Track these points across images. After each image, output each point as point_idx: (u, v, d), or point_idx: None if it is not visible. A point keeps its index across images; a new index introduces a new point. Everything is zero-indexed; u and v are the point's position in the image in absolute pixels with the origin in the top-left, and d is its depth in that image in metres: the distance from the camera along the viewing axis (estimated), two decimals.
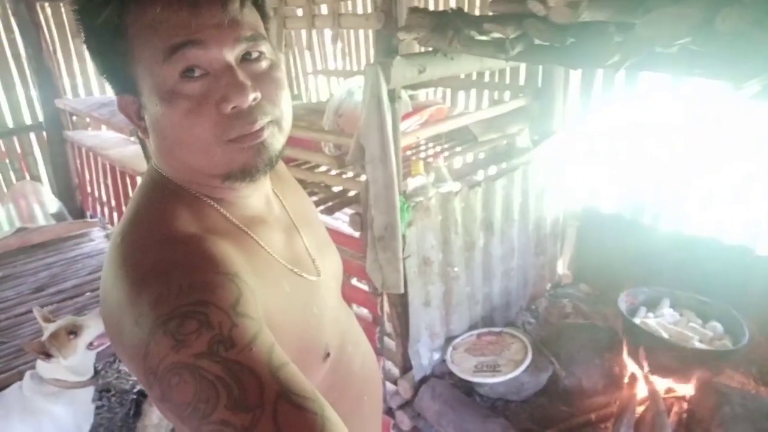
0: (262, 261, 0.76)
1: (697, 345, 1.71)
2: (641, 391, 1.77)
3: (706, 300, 1.88)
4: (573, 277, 2.52)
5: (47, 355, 1.92)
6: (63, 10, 3.94)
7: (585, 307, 2.31)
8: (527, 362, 1.90)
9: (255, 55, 0.69)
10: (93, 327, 1.99)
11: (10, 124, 3.95)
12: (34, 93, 3.94)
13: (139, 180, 0.88)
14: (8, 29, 3.76)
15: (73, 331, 1.96)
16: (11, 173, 4.05)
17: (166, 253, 0.66)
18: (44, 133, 4.06)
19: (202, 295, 0.61)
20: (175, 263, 0.64)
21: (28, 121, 4.02)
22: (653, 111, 2.22)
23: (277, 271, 0.78)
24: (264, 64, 0.70)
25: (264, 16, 0.73)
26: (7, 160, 4.00)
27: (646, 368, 1.76)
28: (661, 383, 1.76)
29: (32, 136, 4.08)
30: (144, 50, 0.65)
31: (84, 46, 0.70)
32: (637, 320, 1.84)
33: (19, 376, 2.46)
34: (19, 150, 4.05)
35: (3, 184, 4.05)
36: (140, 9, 0.64)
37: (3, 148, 3.97)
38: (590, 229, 2.41)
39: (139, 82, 0.67)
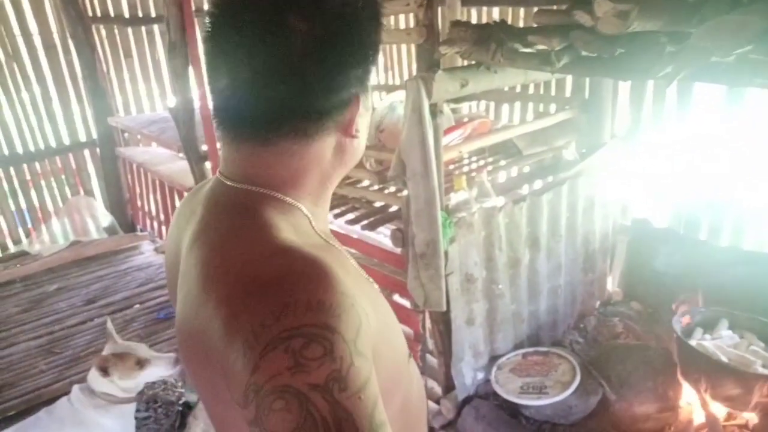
0: (355, 275, 0.74)
1: (761, 370, 1.60)
2: (698, 417, 1.68)
3: None
4: (623, 294, 2.42)
5: (105, 372, 1.97)
6: (116, 31, 4.10)
7: (636, 327, 2.21)
8: (575, 384, 1.82)
9: None
10: (160, 368, 2.03)
11: (66, 141, 4.12)
12: (88, 111, 4.11)
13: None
14: (66, 50, 3.94)
15: (141, 363, 2.00)
16: (66, 188, 4.22)
17: (284, 262, 0.63)
18: (98, 150, 4.22)
19: (329, 319, 0.57)
20: (298, 274, 0.61)
21: (82, 138, 4.19)
22: (709, 122, 2.13)
23: (365, 283, 0.75)
24: None
25: None
26: (63, 176, 4.17)
27: (704, 393, 1.66)
28: (720, 410, 1.66)
29: (86, 152, 4.25)
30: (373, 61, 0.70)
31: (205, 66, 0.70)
32: (693, 342, 1.75)
33: (69, 388, 2.54)
34: (74, 166, 4.22)
35: (59, 198, 4.21)
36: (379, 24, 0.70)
37: (59, 164, 4.15)
38: (641, 245, 2.31)
39: (361, 92, 0.71)
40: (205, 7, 3.90)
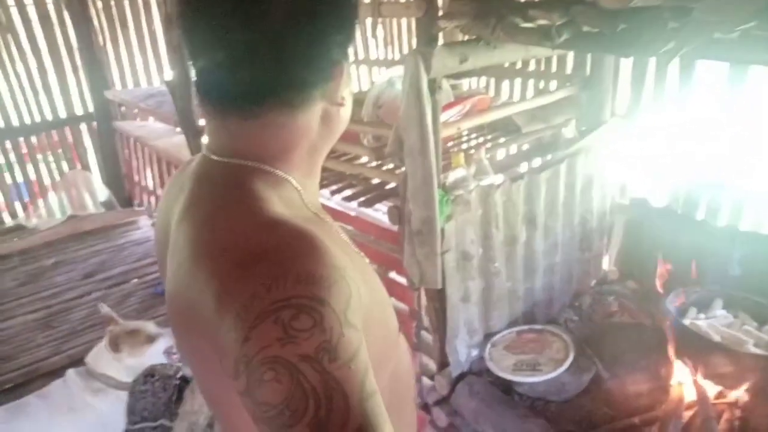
0: (346, 248, 0.74)
1: (753, 349, 1.62)
2: (689, 395, 1.69)
3: (763, 302, 1.78)
4: (620, 273, 2.42)
5: (117, 347, 1.98)
6: (113, 2, 4.04)
7: (631, 306, 2.22)
8: (569, 362, 1.84)
9: None
10: (167, 341, 2.10)
11: (63, 114, 4.08)
12: (84, 84, 4.06)
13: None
14: (61, 22, 3.88)
15: (150, 339, 2.03)
16: (63, 162, 4.19)
17: (274, 234, 0.63)
18: (94, 124, 4.18)
19: (319, 291, 0.58)
20: (288, 246, 0.62)
21: (79, 111, 4.14)
22: (710, 103, 2.11)
23: (356, 256, 0.76)
24: None
25: None
26: (60, 150, 4.14)
27: (696, 372, 1.68)
28: (712, 388, 1.67)
29: (83, 126, 4.21)
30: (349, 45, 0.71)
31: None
32: (686, 321, 1.76)
33: (69, 361, 2.56)
34: (70, 139, 4.18)
35: (56, 172, 4.19)
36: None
37: (56, 138, 4.11)
38: (639, 224, 2.31)
39: (339, 68, 0.70)
40: None
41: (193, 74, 0.69)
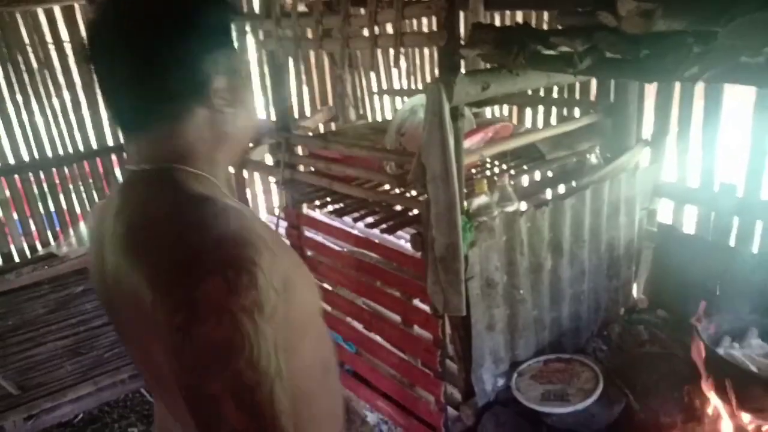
0: (264, 226, 0.86)
1: None
2: (726, 428, 1.63)
3: None
4: (649, 302, 2.37)
5: None
6: None
7: (662, 335, 2.16)
8: (598, 392, 1.79)
9: None
10: None
11: (95, 146, 4.19)
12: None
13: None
14: None
15: None
16: (94, 192, 4.29)
17: (210, 207, 0.79)
18: (124, 154, 4.28)
19: (254, 255, 0.72)
20: (223, 214, 0.77)
21: (110, 143, 4.26)
22: (737, 127, 2.08)
23: (275, 234, 0.90)
24: None
25: None
26: (91, 180, 4.24)
27: (732, 404, 1.61)
28: (749, 421, 1.61)
29: (113, 157, 4.32)
30: (232, 48, 0.89)
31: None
32: (720, 351, 1.70)
33: (94, 387, 2.58)
34: (101, 170, 4.29)
35: (87, 202, 4.29)
36: (234, 19, 0.90)
37: (87, 169, 4.22)
38: (668, 251, 2.26)
39: (229, 70, 0.87)
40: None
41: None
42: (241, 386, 0.68)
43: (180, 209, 0.79)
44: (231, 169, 3.06)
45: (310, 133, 3.23)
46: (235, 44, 0.90)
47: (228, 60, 0.85)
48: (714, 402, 1.70)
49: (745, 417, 1.60)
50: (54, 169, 4.07)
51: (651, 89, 2.21)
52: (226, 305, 0.69)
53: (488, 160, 2.32)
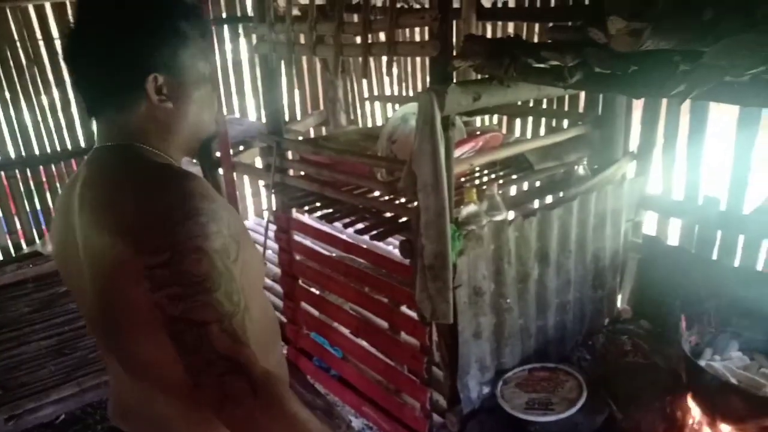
0: (223, 202, 0.96)
1: None
2: None
3: None
4: (633, 312, 2.40)
5: None
6: None
7: (645, 346, 2.19)
8: (582, 401, 1.81)
9: None
10: None
11: (83, 144, 4.16)
12: None
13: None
14: None
15: None
16: None
17: (172, 169, 0.93)
18: None
19: (217, 207, 0.87)
20: (186, 175, 0.91)
21: None
22: (722, 142, 2.12)
23: (231, 211, 0.98)
24: None
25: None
26: None
27: (712, 415, 1.64)
28: None
29: None
30: (190, 49, 0.98)
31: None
32: (702, 363, 1.73)
33: (78, 388, 2.56)
34: None
35: None
36: (193, 27, 0.99)
37: (75, 167, 4.19)
38: (652, 263, 2.29)
39: (180, 69, 0.98)
40: (219, 14, 3.96)
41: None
42: (222, 314, 0.82)
43: (145, 171, 0.92)
44: (220, 171, 3.06)
45: (301, 137, 3.23)
46: (192, 45, 0.98)
47: (173, 60, 0.95)
48: (695, 413, 1.73)
49: (725, 428, 1.63)
50: (41, 167, 4.03)
51: (638, 103, 2.25)
52: (203, 246, 0.82)
53: (478, 169, 2.34)
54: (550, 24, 1.41)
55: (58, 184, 4.12)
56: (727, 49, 0.92)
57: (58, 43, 3.89)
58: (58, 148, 4.05)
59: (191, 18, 0.98)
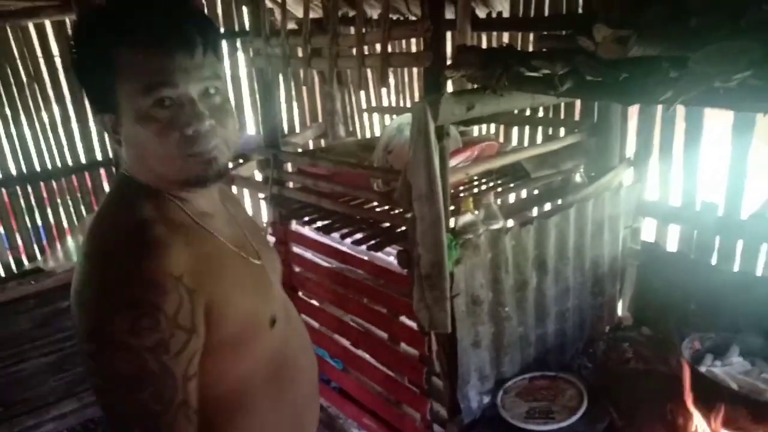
0: (212, 247, 0.94)
1: None
2: None
3: None
4: (634, 319, 2.39)
5: None
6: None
7: (646, 352, 2.18)
8: (582, 410, 1.80)
9: (212, 91, 0.89)
10: None
11: (83, 160, 4.18)
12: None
13: None
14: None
15: None
16: (82, 206, 4.27)
17: (131, 239, 0.85)
18: (113, 169, 4.27)
19: (156, 299, 0.80)
20: (137, 249, 0.83)
21: (99, 157, 4.25)
22: (718, 148, 2.12)
23: (225, 253, 0.96)
24: (218, 98, 0.91)
25: (220, 60, 0.94)
26: (79, 194, 4.22)
27: (713, 421, 1.63)
28: None
29: (102, 171, 4.30)
30: (127, 82, 0.85)
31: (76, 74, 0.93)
32: (702, 368, 1.72)
33: (79, 404, 2.55)
34: (90, 185, 4.27)
35: (74, 216, 4.26)
36: (128, 49, 0.84)
37: (75, 183, 4.20)
38: (652, 269, 2.29)
39: (120, 104, 0.87)
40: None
41: None
42: (145, 413, 0.80)
43: (111, 229, 0.89)
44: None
45: (300, 149, 3.25)
46: (126, 78, 0.85)
47: (105, 97, 0.88)
48: (696, 419, 1.72)
49: None
50: (42, 183, 4.04)
51: (634, 110, 2.25)
52: (130, 344, 0.78)
53: (475, 178, 2.34)
54: (542, 33, 1.42)
55: (59, 200, 4.14)
56: (711, 56, 0.93)
57: (58, 60, 3.92)
58: (59, 164, 4.07)
59: (136, 31, 0.83)
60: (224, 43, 4.00)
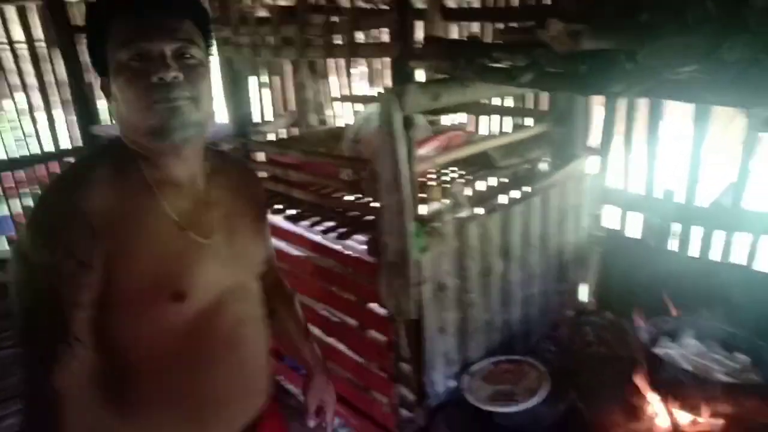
0: (150, 212, 1.00)
1: (722, 378, 1.64)
2: (664, 425, 1.71)
3: (732, 331, 1.81)
4: (597, 304, 2.46)
5: None
6: None
7: (608, 337, 2.25)
8: (544, 392, 1.85)
9: (187, 54, 0.97)
10: None
11: (50, 148, 4.10)
12: (72, 120, 4.09)
13: None
14: (51, 59, 3.93)
15: None
16: None
17: (68, 176, 1.02)
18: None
19: (57, 224, 0.93)
20: (66, 183, 0.99)
21: (65, 145, 4.17)
22: (678, 137, 2.19)
23: (161, 222, 1.01)
24: (193, 61, 0.98)
25: (208, 38, 1.04)
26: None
27: (669, 402, 1.70)
28: (685, 417, 1.69)
29: (70, 160, 4.23)
30: (114, 43, 0.95)
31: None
32: (658, 350, 1.79)
33: None
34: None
35: None
36: (119, 17, 0.95)
37: (43, 172, 4.13)
38: (615, 256, 2.36)
39: (110, 65, 0.97)
40: None
41: None
42: (31, 324, 0.96)
43: (66, 171, 1.04)
44: None
45: (271, 138, 3.24)
46: (113, 38, 0.97)
47: (99, 60, 0.99)
48: (653, 400, 1.78)
49: (681, 414, 1.69)
50: (9, 173, 3.97)
51: (598, 100, 2.31)
52: (28, 258, 0.93)
53: (443, 167, 2.37)
54: (506, 25, 1.45)
55: (28, 189, 4.06)
56: (658, 51, 0.97)
57: (22, 47, 3.83)
58: (27, 153, 3.99)
59: (126, 3, 0.97)
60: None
